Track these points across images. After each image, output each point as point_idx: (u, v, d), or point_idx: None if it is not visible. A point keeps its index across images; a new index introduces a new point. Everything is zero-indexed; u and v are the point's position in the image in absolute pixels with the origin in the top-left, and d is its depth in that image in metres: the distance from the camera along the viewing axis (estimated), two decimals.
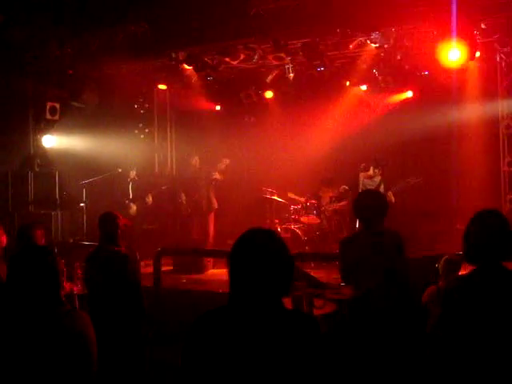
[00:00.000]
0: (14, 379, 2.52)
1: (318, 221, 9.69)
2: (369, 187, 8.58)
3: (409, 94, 9.83)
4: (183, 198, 9.97)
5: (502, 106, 8.91)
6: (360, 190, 8.63)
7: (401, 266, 4.03)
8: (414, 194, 9.49)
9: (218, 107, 11.56)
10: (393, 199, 8.64)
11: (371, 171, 8.97)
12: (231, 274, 2.17)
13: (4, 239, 4.83)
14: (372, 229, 4.08)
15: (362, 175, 9.10)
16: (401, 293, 3.95)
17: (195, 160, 9.97)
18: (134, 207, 9.54)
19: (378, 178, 8.94)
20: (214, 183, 9.85)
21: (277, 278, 2.12)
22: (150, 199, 9.67)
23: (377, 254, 3.96)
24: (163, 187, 10.24)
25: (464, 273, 3.03)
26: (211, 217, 9.95)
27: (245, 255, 2.15)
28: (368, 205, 4.14)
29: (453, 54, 7.32)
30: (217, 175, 9.76)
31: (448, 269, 4.66)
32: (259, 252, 2.14)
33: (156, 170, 11.83)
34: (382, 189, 8.68)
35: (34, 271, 2.63)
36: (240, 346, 2.09)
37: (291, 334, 2.08)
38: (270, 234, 2.21)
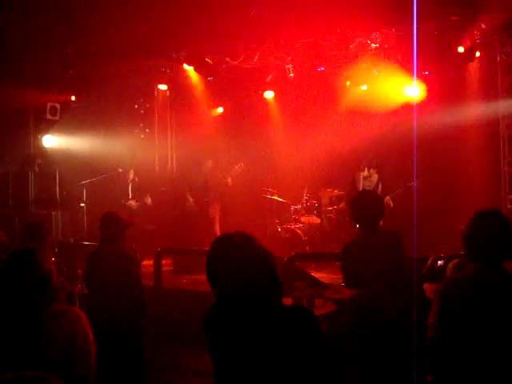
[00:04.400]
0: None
1: (319, 221, 9.70)
2: (367, 188, 8.57)
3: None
4: (191, 200, 9.84)
5: (502, 106, 8.87)
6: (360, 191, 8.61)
7: (402, 265, 4.02)
8: (413, 194, 9.47)
9: (218, 107, 11.55)
10: (391, 204, 8.60)
11: (366, 172, 8.97)
12: (211, 278, 2.17)
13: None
14: (370, 230, 4.06)
15: (360, 175, 9.10)
16: (405, 292, 3.94)
17: (210, 163, 9.86)
18: (133, 203, 9.52)
19: (375, 178, 8.92)
20: (224, 188, 9.75)
21: (253, 278, 2.09)
22: (149, 200, 9.65)
23: (378, 255, 3.94)
24: (162, 188, 10.21)
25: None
26: (217, 221, 9.88)
27: (218, 260, 2.15)
28: (364, 206, 4.11)
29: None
30: (229, 181, 9.68)
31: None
32: (231, 256, 2.13)
33: (156, 171, 11.82)
34: (379, 189, 8.66)
35: (21, 273, 2.63)
36: (239, 345, 2.10)
37: (288, 330, 2.07)
38: (239, 237, 2.19)
